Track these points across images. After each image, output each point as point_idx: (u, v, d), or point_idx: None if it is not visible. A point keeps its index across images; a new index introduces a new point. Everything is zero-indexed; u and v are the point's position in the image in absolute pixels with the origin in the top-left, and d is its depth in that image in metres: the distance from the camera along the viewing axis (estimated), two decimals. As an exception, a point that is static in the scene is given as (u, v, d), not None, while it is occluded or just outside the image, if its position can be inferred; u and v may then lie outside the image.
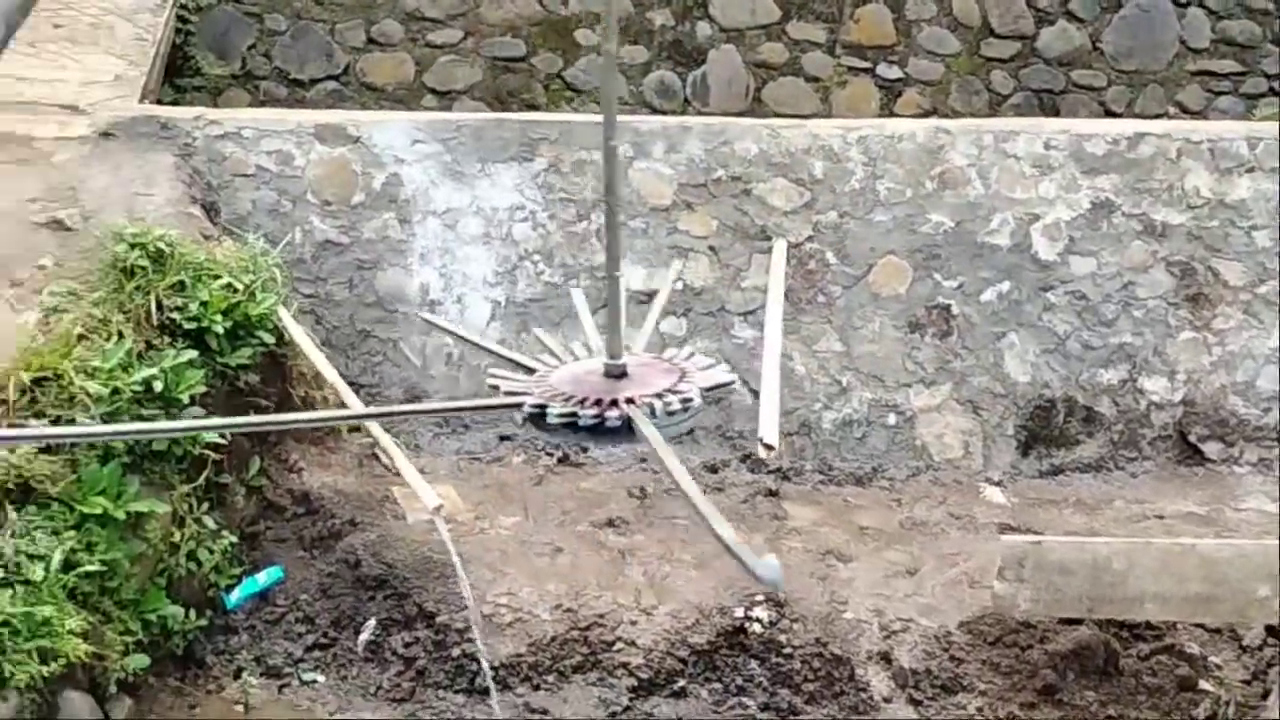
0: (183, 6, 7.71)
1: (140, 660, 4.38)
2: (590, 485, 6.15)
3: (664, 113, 8.45)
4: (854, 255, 6.54)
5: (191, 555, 4.68)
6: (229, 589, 4.86)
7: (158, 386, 4.50)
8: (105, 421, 4.27)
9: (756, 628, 4.94)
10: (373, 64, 8.10)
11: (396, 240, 6.36)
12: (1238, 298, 6.72)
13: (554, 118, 6.52)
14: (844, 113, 8.67)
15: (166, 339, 4.76)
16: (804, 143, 6.49)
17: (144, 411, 4.45)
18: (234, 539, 4.90)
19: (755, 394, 6.60)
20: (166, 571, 4.61)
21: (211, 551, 4.77)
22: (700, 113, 8.50)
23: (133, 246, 4.80)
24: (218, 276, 4.98)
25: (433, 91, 8.16)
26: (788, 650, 4.90)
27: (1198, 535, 6.07)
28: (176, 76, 7.82)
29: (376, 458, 6.11)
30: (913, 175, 6.55)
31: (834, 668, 4.89)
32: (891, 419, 6.62)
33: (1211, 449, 6.79)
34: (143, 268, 4.76)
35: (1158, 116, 9.11)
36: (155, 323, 4.73)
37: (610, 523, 5.70)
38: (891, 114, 8.72)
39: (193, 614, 4.66)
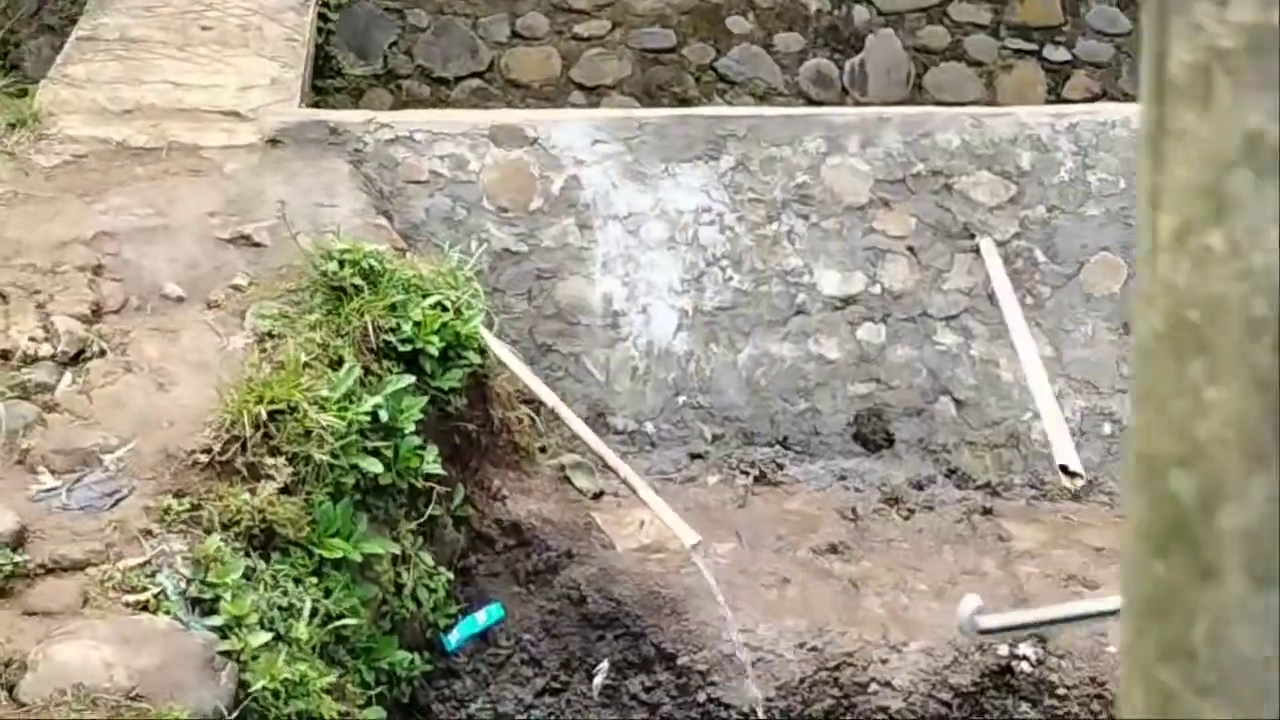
0: (324, 4, 7.37)
1: (377, 713, 4.03)
2: (796, 506, 5.74)
3: (821, 104, 8.01)
4: (1064, 253, 6.08)
5: (413, 595, 4.33)
6: (447, 629, 4.51)
7: (383, 416, 4.16)
8: (336, 456, 3.93)
9: (1024, 666, 4.50)
10: (518, 59, 7.73)
11: (577, 248, 5.98)
12: None
13: (741, 112, 6.12)
14: (1009, 99, 8.18)
15: (382, 363, 4.40)
16: (1010, 132, 6.04)
17: (369, 443, 4.11)
18: (450, 576, 4.54)
19: (957, 404, 6.20)
20: (390, 614, 4.26)
21: (431, 590, 4.42)
22: (859, 102, 8.06)
23: (343, 264, 4.44)
24: (427, 294, 4.62)
25: (580, 87, 7.78)
26: (1061, 691, 4.46)
27: None
28: (317, 78, 7.48)
29: (569, 481, 5.76)
30: (1126, 164, 6.08)
31: (1112, 709, 4.44)
32: (1106, 428, 6.17)
33: None
34: (357, 287, 4.40)
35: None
36: (371, 346, 4.38)
37: (833, 549, 5.29)
38: (1060, 98, 8.23)
39: (416, 658, 4.31)
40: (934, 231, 6.08)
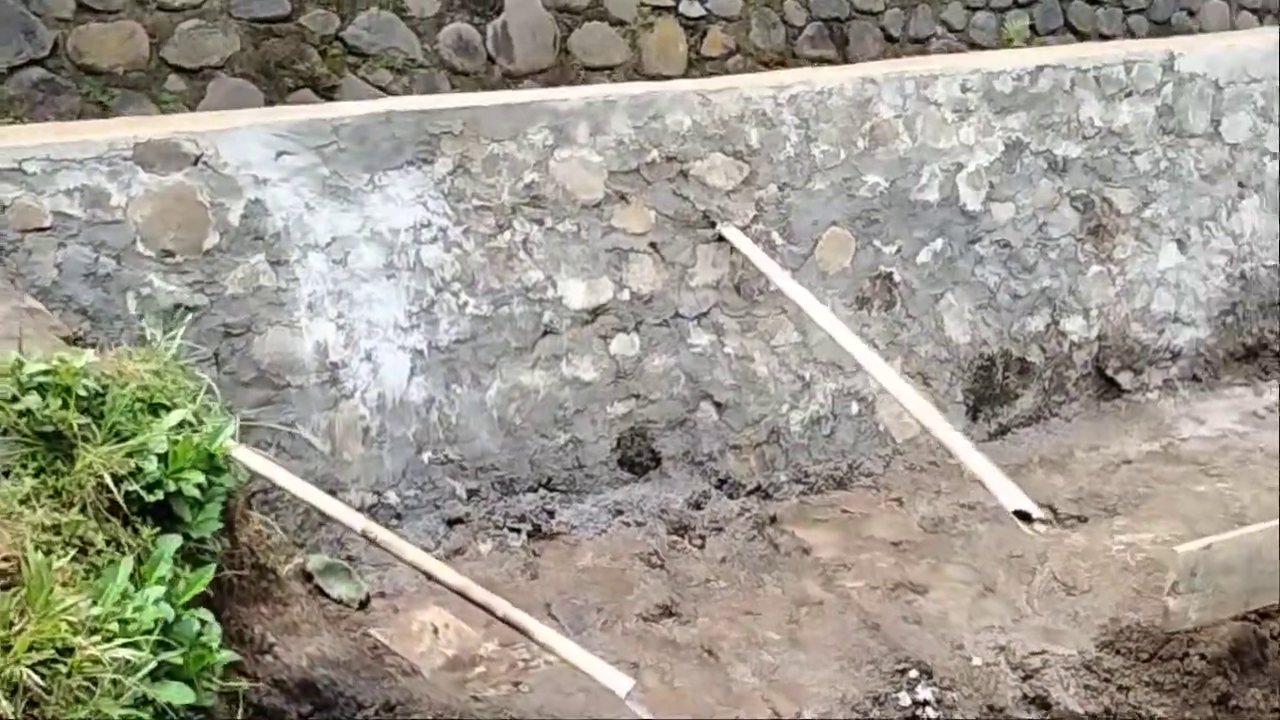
0: None
1: None
2: (590, 561, 4.95)
3: (466, 74, 7.01)
4: (798, 232, 5.71)
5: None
6: None
7: (167, 614, 2.88)
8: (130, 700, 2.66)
9: (929, 713, 4.13)
10: (91, 39, 5.96)
11: (273, 290, 4.66)
12: (1129, 225, 6.68)
13: (454, 102, 5.03)
14: (654, 59, 7.68)
15: (128, 525, 3.07)
16: (736, 109, 5.51)
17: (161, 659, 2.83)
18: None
19: (718, 407, 5.67)
20: None
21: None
22: (507, 72, 7.14)
23: (47, 394, 3.01)
24: (159, 409, 3.29)
25: (178, 70, 6.17)
26: (967, 727, 4.15)
27: (1170, 473, 6.04)
28: None
29: (323, 593, 4.54)
30: (845, 135, 5.80)
31: (1014, 733, 4.20)
32: (855, 408, 5.95)
33: (1124, 379, 6.78)
34: (76, 425, 3.00)
35: (929, 38, 8.98)
36: (111, 505, 3.02)
37: (663, 610, 4.59)
38: (700, 55, 7.85)
39: None
40: (674, 224, 5.45)
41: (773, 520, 5.42)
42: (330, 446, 4.82)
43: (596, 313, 5.31)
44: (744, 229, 5.56)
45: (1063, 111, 6.35)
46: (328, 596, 4.53)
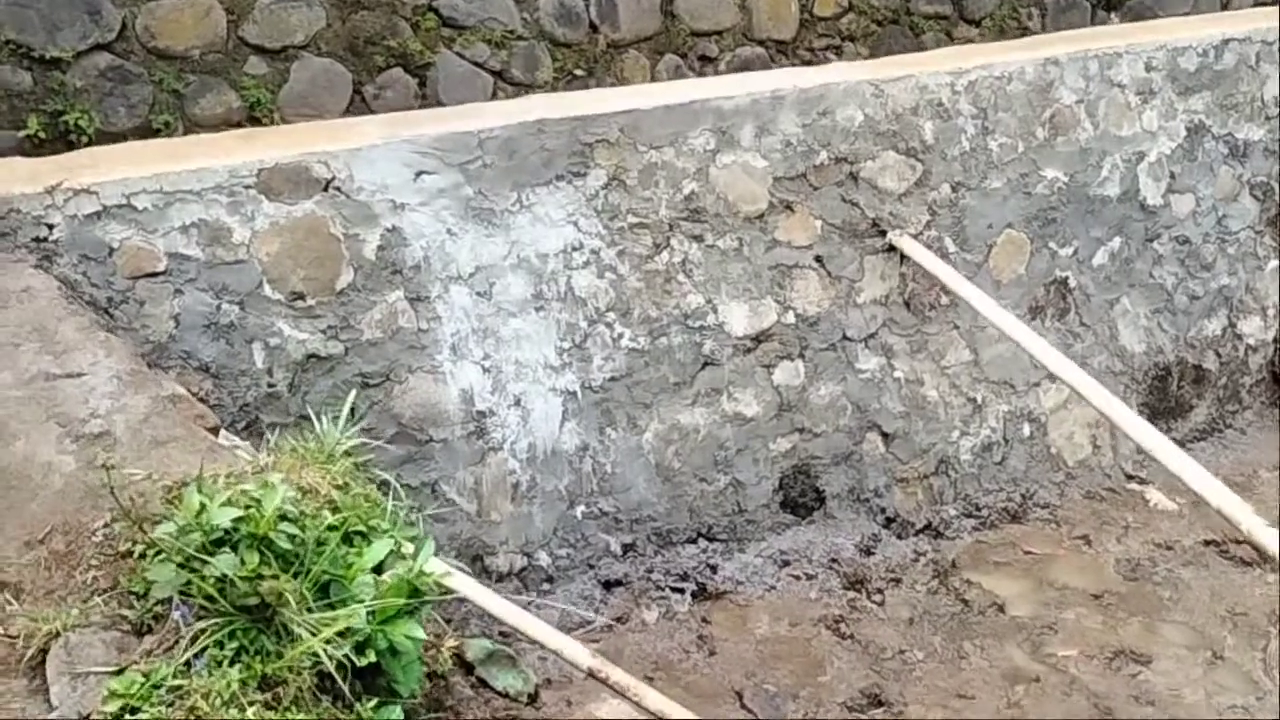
0: None
1: None
2: (765, 629, 4.39)
3: (568, 45, 6.28)
4: (972, 237, 5.06)
5: None
6: None
7: None
8: None
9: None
10: (164, 19, 5.22)
11: (413, 332, 4.03)
12: (1309, 214, 6.03)
13: (609, 105, 4.33)
14: (765, 21, 6.94)
15: (337, 703, 2.48)
16: (911, 100, 4.83)
17: None
18: None
19: (885, 438, 5.08)
20: None
21: None
22: (611, 42, 6.41)
23: (236, 543, 2.42)
24: (357, 536, 2.69)
25: (259, 50, 5.44)
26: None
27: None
28: None
29: (485, 683, 3.98)
30: (1025, 124, 5.12)
31: None
32: (1026, 430, 5.36)
33: (1300, 384, 6.19)
34: (283, 592, 2.41)
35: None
36: (321, 683, 2.44)
37: (869, 699, 4.03)
38: (812, 15, 7.12)
39: None
40: (842, 234, 4.80)
41: (952, 566, 4.86)
42: (477, 506, 4.22)
43: (759, 339, 4.68)
44: (916, 236, 4.91)
45: (1246, 90, 5.67)
46: (492, 689, 3.98)
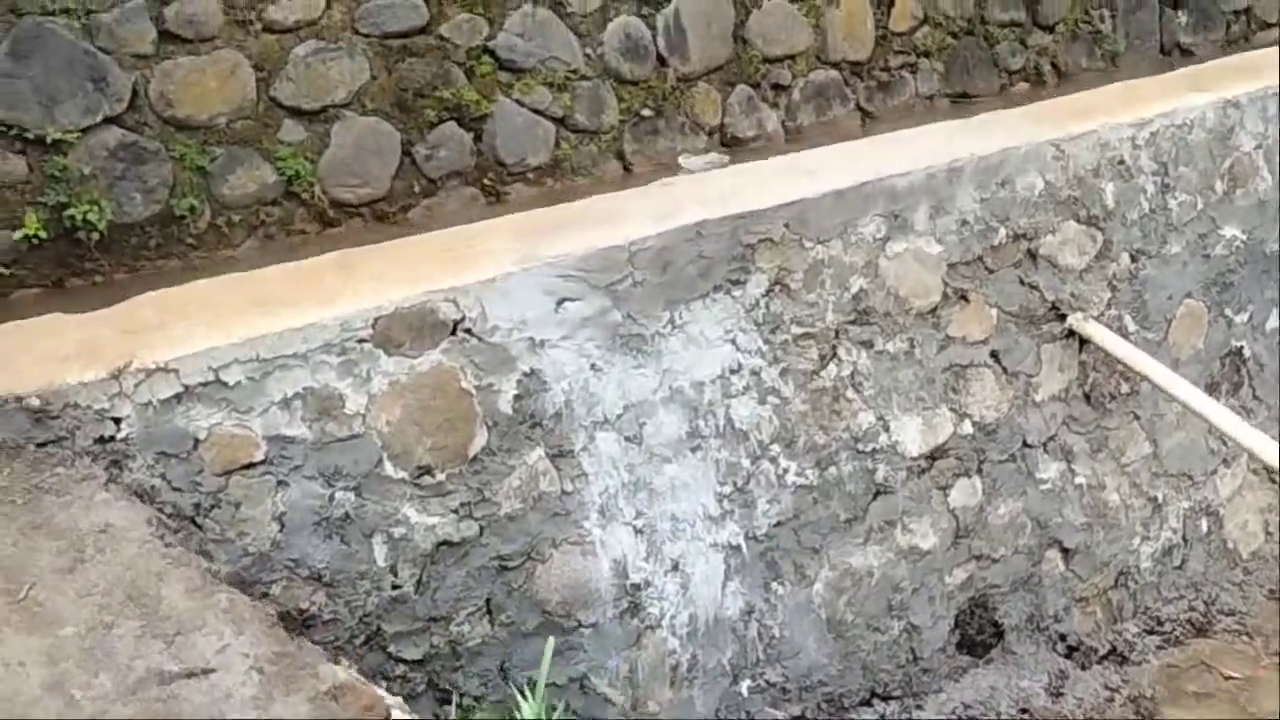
0: None
1: None
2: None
3: (635, 83, 5.44)
4: (1152, 311, 4.37)
5: None
6: None
7: None
8: None
9: None
10: (182, 82, 4.30)
11: (556, 497, 3.22)
12: None
13: (773, 198, 3.53)
14: (841, 41, 6.15)
15: None
16: (1092, 160, 4.10)
17: None
18: None
19: (1065, 554, 4.39)
20: None
21: None
22: (682, 76, 5.58)
23: None
24: None
25: (295, 112, 4.54)
26: None
27: None
28: None
29: None
30: (1204, 178, 4.43)
31: None
32: (1204, 525, 4.70)
33: None
34: None
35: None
36: None
37: None
38: (888, 31, 6.34)
39: None
40: (1018, 323, 4.07)
41: (1151, 702, 4.20)
42: (630, 698, 3.44)
43: (934, 456, 3.94)
44: (1097, 317, 4.21)
45: None
46: None
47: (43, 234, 3.97)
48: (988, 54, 6.81)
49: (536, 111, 5.12)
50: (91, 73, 4.09)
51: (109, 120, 4.15)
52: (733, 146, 5.81)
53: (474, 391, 3.08)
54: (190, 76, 4.27)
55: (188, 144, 4.31)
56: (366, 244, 4.74)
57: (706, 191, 3.69)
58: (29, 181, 4.03)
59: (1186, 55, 7.98)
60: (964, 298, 3.97)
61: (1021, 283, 4.07)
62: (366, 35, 4.67)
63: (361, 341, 2.90)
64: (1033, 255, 4.07)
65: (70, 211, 4.03)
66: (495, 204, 5.08)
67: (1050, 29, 7.12)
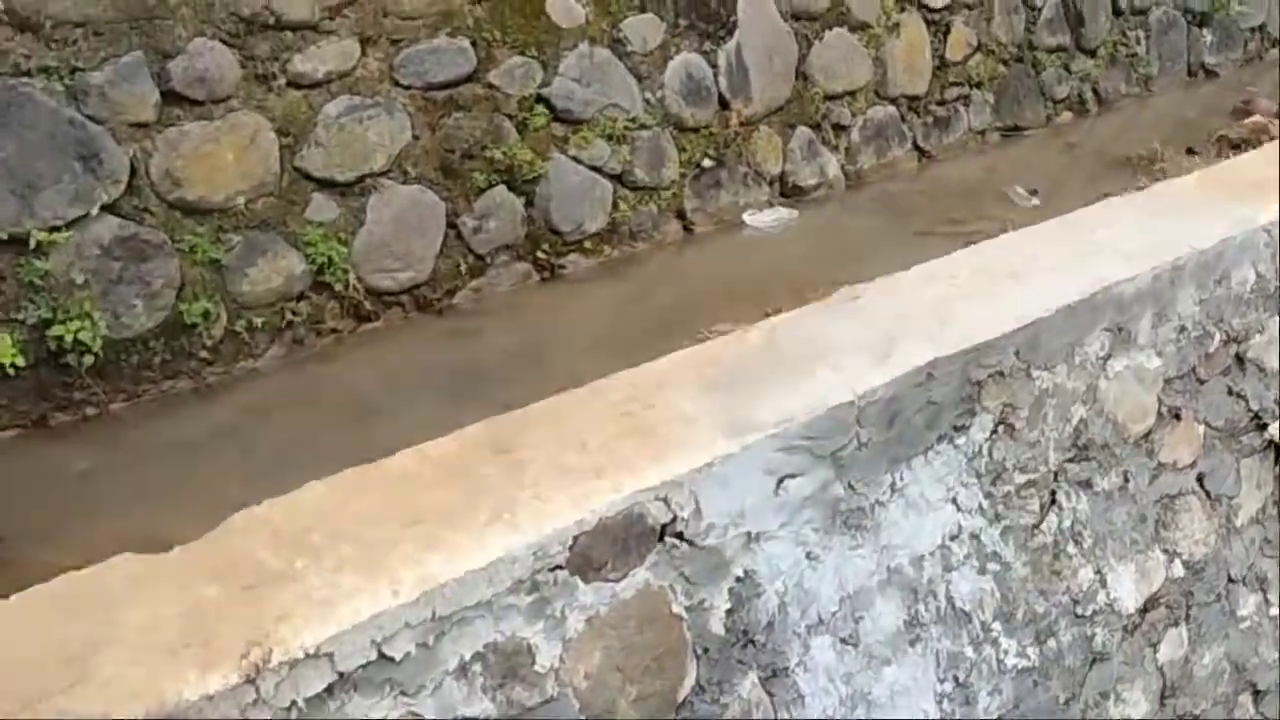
0: None
1: None
2: None
3: (695, 130, 4.65)
4: (1343, 409, 3.79)
5: None
6: None
7: None
8: None
9: None
10: (191, 155, 3.37)
11: (770, 729, 2.47)
12: None
13: (1008, 321, 2.81)
14: (900, 74, 5.46)
15: None
16: (1299, 241, 3.49)
17: None
18: None
19: (1256, 696, 3.79)
20: None
21: None
22: (745, 119, 4.81)
23: None
24: None
25: (325, 184, 3.65)
26: None
27: None
28: None
29: None
30: (1393, 253, 3.87)
31: None
32: (1376, 638, 4.16)
33: None
34: None
35: (1147, 9, 6.99)
36: None
37: None
38: (944, 61, 5.66)
39: None
40: (1221, 438, 3.44)
41: None
42: None
43: (1147, 608, 3.29)
44: (1297, 425, 3.61)
45: None
46: None
47: (20, 361, 3.04)
48: (1035, 82, 6.21)
49: (594, 169, 4.31)
50: (80, 149, 3.16)
51: (103, 209, 3.22)
52: (793, 196, 5.09)
53: (684, 615, 2.29)
54: (202, 148, 3.36)
55: (198, 233, 3.40)
56: (404, 338, 3.92)
57: (906, 305, 2.95)
58: (0, 294, 3.09)
59: (1211, 76, 7.55)
60: (1176, 416, 3.32)
61: (1229, 392, 3.45)
62: (408, 87, 3.81)
63: (556, 569, 2.10)
64: (1240, 359, 3.45)
65: (56, 331, 3.10)
66: (550, 280, 4.27)
67: (1092, 53, 6.56)
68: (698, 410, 2.46)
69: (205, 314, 3.40)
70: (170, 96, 3.32)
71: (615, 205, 4.42)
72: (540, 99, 4.15)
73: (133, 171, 3.27)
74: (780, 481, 2.42)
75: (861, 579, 2.66)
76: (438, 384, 3.58)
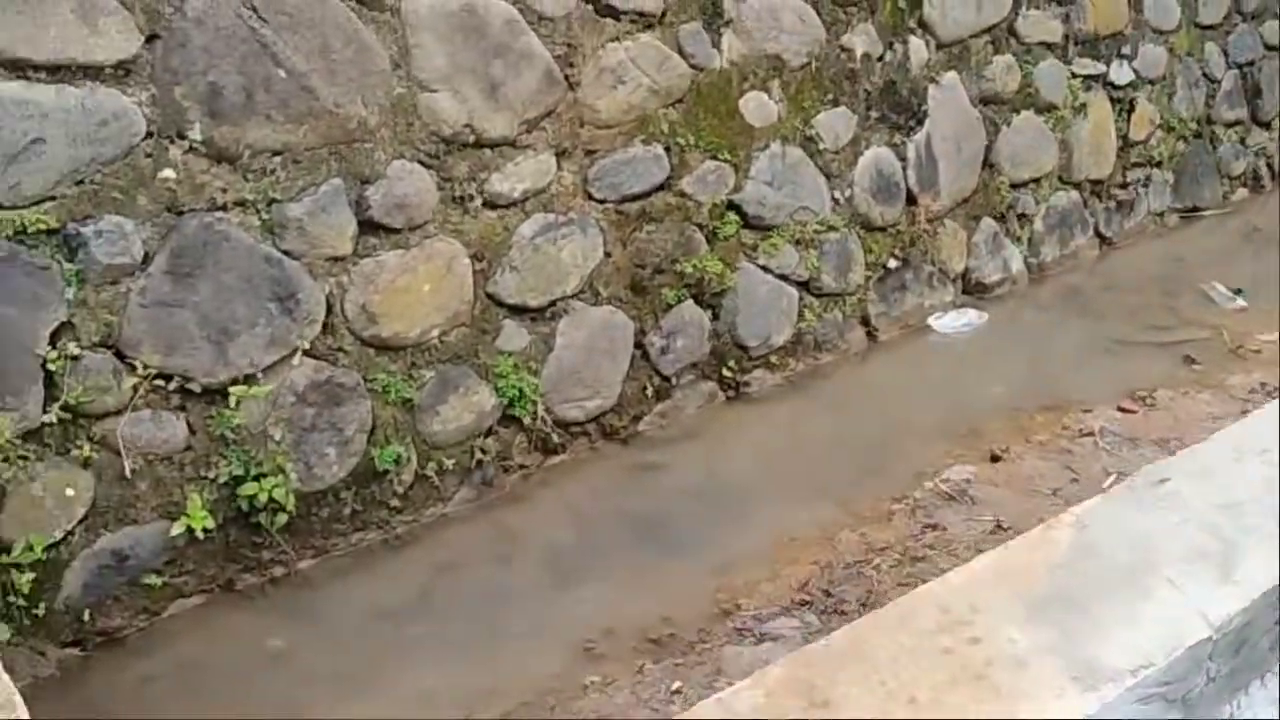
0: None
1: None
2: None
3: (882, 229, 4.32)
4: None
5: None
6: None
7: None
8: None
9: None
10: (389, 288, 3.09)
11: None
12: None
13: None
14: (1085, 157, 5.09)
15: None
16: None
17: None
18: None
19: None
20: None
21: None
22: (931, 217, 4.47)
23: None
24: None
25: (518, 311, 3.36)
26: None
27: None
28: None
29: None
30: None
31: None
32: None
33: None
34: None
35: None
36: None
37: None
38: (1126, 141, 5.29)
39: None
40: None
41: None
42: None
43: None
44: None
45: None
46: None
47: (209, 524, 2.78)
48: (1213, 159, 5.81)
49: (782, 277, 3.99)
50: (276, 288, 2.89)
51: (298, 352, 2.96)
52: (976, 293, 4.74)
53: None
54: (399, 280, 3.08)
55: (390, 371, 3.13)
56: (592, 473, 3.57)
57: (1228, 493, 2.60)
58: (189, 449, 2.83)
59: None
60: None
61: None
62: (602, 201, 3.52)
63: None
64: None
65: (249, 489, 2.83)
66: (735, 399, 3.95)
67: (1267, 125, 6.15)
68: (1029, 645, 2.11)
69: (397, 459, 3.12)
70: (367, 225, 3.05)
71: (801, 315, 4.09)
72: (731, 205, 3.84)
73: (328, 309, 3.00)
74: (1129, 736, 2.08)
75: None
76: (631, 532, 3.27)
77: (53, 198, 2.59)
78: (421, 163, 3.12)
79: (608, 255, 3.55)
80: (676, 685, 2.49)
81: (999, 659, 2.11)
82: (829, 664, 2.22)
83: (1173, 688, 2.13)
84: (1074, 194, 5.14)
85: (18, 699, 1.79)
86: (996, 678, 2.06)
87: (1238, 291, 4.78)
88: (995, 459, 3.60)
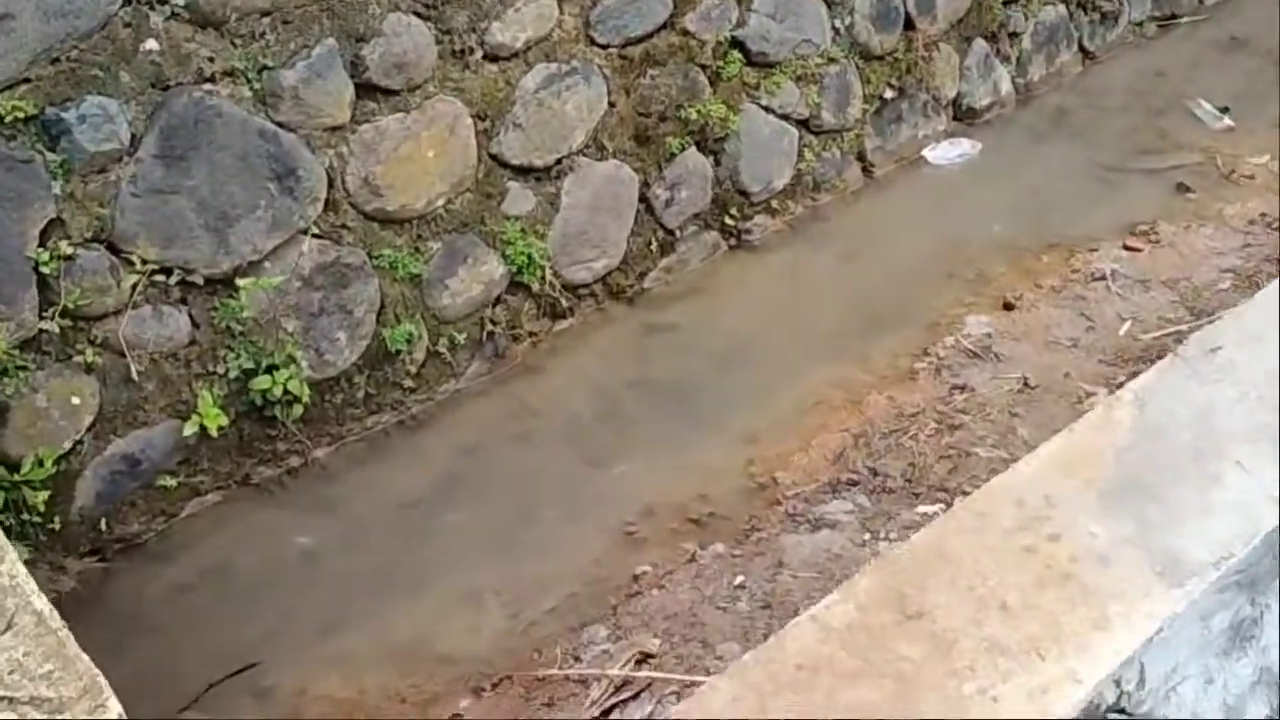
0: None
1: None
2: None
3: (880, 58, 4.07)
4: None
5: None
6: None
7: None
8: None
9: None
10: (390, 158, 2.85)
11: None
12: None
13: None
14: None
15: None
16: None
17: None
18: None
19: None
20: None
21: None
22: (928, 42, 4.23)
23: None
24: None
25: (523, 172, 3.13)
26: None
27: None
28: None
29: None
30: None
31: None
32: None
33: None
34: None
35: None
36: None
37: None
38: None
39: None
40: None
41: None
42: None
43: None
44: None
45: None
46: None
47: (223, 421, 2.62)
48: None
49: (783, 117, 3.79)
50: (274, 166, 2.64)
51: (303, 234, 2.73)
52: (967, 119, 4.59)
53: (1114, 795, 2.01)
54: (402, 148, 2.84)
55: (396, 246, 2.92)
56: (603, 339, 3.41)
57: None
58: (194, 344, 2.63)
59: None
60: None
61: None
62: (605, 46, 3.26)
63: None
64: None
65: (261, 383, 2.66)
66: (736, 248, 3.81)
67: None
68: (1109, 539, 2.09)
69: (409, 338, 2.96)
70: (364, 89, 2.78)
71: (800, 155, 3.92)
72: (734, 42, 3.60)
73: (329, 184, 2.77)
74: (1205, 622, 2.09)
75: (1243, 687, 2.36)
76: (651, 401, 3.19)
77: (28, 79, 2.29)
78: (418, 14, 2.84)
79: (612, 105, 3.33)
80: (739, 580, 2.45)
81: (1082, 556, 2.09)
82: (916, 572, 2.18)
83: (1246, 574, 2.15)
84: (1061, 8, 4.94)
85: (102, 680, 1.68)
86: (1083, 578, 2.05)
87: (1224, 110, 4.70)
88: (1009, 307, 3.55)
